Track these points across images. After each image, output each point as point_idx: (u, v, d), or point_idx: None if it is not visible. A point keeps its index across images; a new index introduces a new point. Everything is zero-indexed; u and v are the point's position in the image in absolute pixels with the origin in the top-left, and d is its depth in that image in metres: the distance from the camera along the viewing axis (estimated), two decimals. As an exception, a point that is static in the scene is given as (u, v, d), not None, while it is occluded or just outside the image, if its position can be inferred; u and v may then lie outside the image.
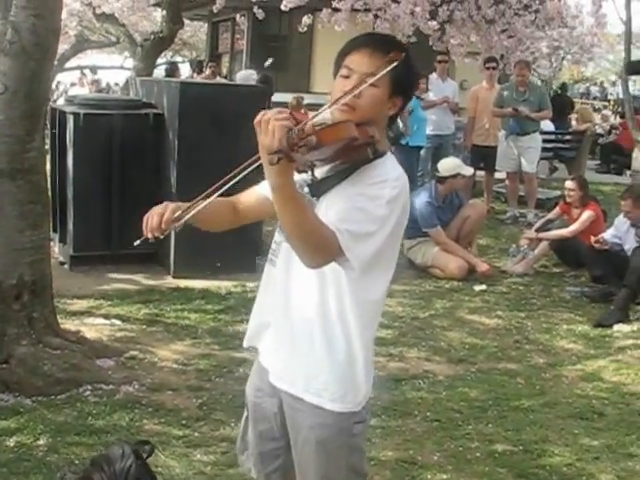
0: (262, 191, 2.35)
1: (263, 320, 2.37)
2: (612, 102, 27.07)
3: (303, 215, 1.96)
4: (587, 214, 7.63)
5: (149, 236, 2.18)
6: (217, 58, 17.64)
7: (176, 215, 2.19)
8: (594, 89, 32.40)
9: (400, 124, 10.18)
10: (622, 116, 18.23)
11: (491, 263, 7.70)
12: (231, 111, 6.76)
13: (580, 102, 24.21)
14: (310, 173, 2.12)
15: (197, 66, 15.95)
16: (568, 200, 7.95)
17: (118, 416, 4.16)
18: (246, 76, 10.73)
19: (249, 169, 2.17)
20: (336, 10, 11.33)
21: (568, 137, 14.41)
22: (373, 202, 2.05)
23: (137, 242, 2.23)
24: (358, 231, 2.02)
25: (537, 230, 7.99)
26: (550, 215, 8.28)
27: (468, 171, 7.98)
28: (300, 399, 2.25)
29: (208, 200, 2.22)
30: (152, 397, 4.43)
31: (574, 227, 7.59)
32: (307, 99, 13.44)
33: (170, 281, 6.72)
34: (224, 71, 17.03)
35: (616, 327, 6.21)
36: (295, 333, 2.23)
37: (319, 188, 2.15)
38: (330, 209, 2.09)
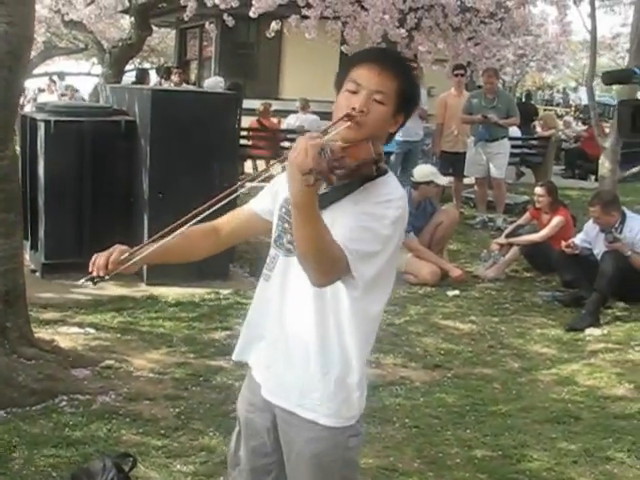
0: (254, 209, 2.34)
1: (255, 334, 2.32)
2: (574, 108, 27.36)
3: (322, 234, 1.93)
4: (557, 219, 7.68)
5: (94, 274, 2.19)
6: (185, 65, 17.53)
7: (123, 257, 2.21)
8: (557, 96, 32.76)
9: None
10: (584, 122, 18.45)
11: (463, 268, 7.71)
12: (203, 118, 6.74)
13: (543, 108, 24.43)
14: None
15: (165, 73, 15.83)
16: (538, 205, 8.00)
17: (95, 427, 4.09)
18: (214, 83, 10.69)
19: (209, 210, 2.20)
20: (305, 17, 11.30)
21: (534, 143, 14.57)
22: (379, 222, 2.04)
23: (82, 280, 2.24)
24: (365, 251, 2.02)
25: (508, 235, 8.02)
26: (520, 221, 8.32)
27: (442, 181, 8.01)
28: (294, 414, 2.21)
29: (161, 242, 2.25)
30: (129, 407, 4.36)
31: (544, 232, 7.64)
32: (276, 105, 13.41)
33: (144, 289, 6.64)
34: (192, 78, 16.93)
35: (588, 331, 6.25)
36: (290, 349, 2.20)
37: (321, 202, 2.06)
38: (333, 226, 2.02)
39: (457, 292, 7.09)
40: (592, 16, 8.78)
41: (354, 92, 2.10)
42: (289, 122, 13.02)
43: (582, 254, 7.08)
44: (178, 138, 6.67)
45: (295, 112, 13.35)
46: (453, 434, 4.35)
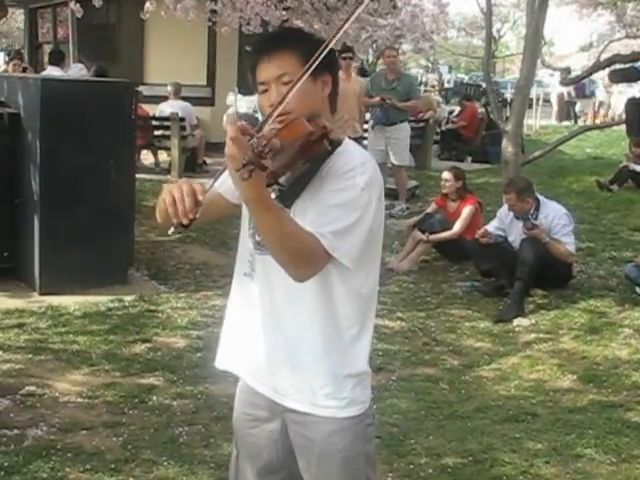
0: (217, 189, 2.22)
1: (240, 341, 2.27)
2: (437, 88, 28.00)
3: (284, 225, 1.91)
4: (468, 209, 7.75)
5: (184, 222, 1.88)
6: (37, 48, 16.72)
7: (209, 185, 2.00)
8: (432, 77, 33.43)
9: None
10: (460, 103, 18.82)
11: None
12: (96, 109, 6.41)
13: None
14: (275, 183, 2.04)
15: (15, 56, 15.03)
16: (444, 192, 8.05)
17: (36, 467, 3.74)
18: (78, 71, 10.26)
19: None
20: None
21: (413, 125, 14.75)
22: (346, 194, 2.01)
23: (171, 230, 1.92)
24: (340, 228, 1.99)
25: (416, 225, 8.03)
26: (428, 209, 8.35)
27: None
28: (309, 414, 2.19)
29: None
30: (66, 439, 4.03)
31: (459, 226, 7.68)
32: (143, 90, 12.79)
33: (38, 299, 6.26)
34: (47, 62, 16.16)
35: (516, 322, 6.33)
36: (293, 349, 2.17)
37: (289, 196, 2.08)
38: (306, 215, 2.04)
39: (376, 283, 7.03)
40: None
41: (265, 91, 2.11)
42: (162, 109, 12.60)
43: (496, 242, 7.17)
44: (71, 131, 6.31)
45: (164, 98, 12.95)
46: (417, 442, 4.27)
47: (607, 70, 9.27)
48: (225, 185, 2.21)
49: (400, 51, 18.60)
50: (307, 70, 1.97)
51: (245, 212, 2.26)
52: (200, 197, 1.89)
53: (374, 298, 2.24)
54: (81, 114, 6.35)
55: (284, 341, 2.17)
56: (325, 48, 1.99)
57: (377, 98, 9.60)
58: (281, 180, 2.02)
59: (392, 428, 4.42)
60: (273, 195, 2.05)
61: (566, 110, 26.14)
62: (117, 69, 13.20)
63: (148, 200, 9.50)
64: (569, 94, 25.52)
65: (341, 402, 2.17)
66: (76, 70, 11.98)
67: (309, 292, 2.11)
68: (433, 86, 28.84)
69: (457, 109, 17.65)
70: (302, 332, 2.15)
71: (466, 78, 34.09)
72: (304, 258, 1.96)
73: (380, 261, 2.26)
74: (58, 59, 11.38)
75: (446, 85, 31.40)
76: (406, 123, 10.10)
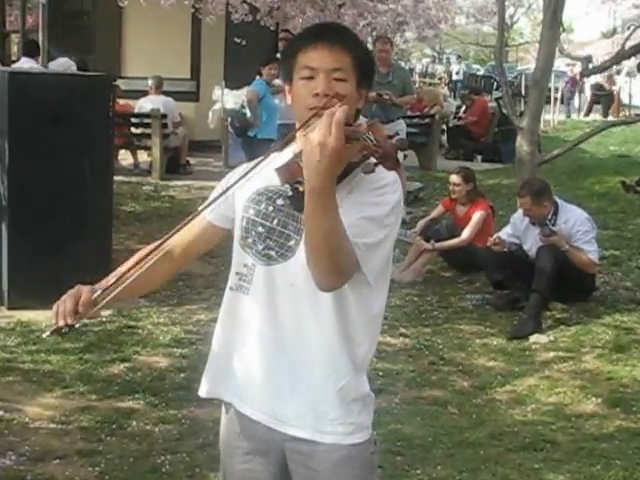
0: (207, 218, 2.33)
1: (232, 363, 2.28)
2: (442, 80, 28.10)
3: (337, 224, 1.97)
4: (478, 215, 7.75)
5: (61, 324, 2.10)
6: (4, 37, 16.72)
7: (95, 296, 2.14)
8: (440, 68, 33.41)
9: (248, 113, 10.06)
10: (463, 97, 18.89)
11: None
12: (71, 105, 6.43)
13: (421, 82, 24.96)
14: (292, 185, 2.10)
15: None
16: (453, 196, 8.06)
17: (4, 500, 3.75)
18: (66, 67, 10.31)
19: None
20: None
21: (417, 121, 14.81)
22: (379, 209, 2.12)
23: (47, 333, 2.15)
24: (372, 242, 2.08)
25: (421, 232, 8.03)
26: (433, 214, 8.37)
27: None
28: (313, 442, 2.20)
29: (136, 272, 2.17)
30: (37, 470, 4.03)
31: (467, 233, 7.66)
32: (120, 84, 12.84)
33: (6, 314, 6.31)
34: (15, 52, 16.21)
35: (532, 338, 6.33)
36: (295, 369, 2.19)
37: (303, 200, 2.07)
38: None
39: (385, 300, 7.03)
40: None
41: (310, 78, 2.17)
42: (142, 105, 12.62)
43: (510, 250, 7.17)
44: (44, 129, 6.33)
45: (144, 93, 12.97)
46: (424, 473, 4.27)
47: (633, 60, 9.26)
48: (215, 213, 2.29)
49: (402, 39, 18.68)
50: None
51: (239, 222, 2.28)
52: (80, 308, 2.09)
53: (381, 318, 2.30)
54: (53, 111, 6.35)
55: (287, 363, 2.19)
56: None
57: (373, 94, 9.60)
58: (301, 179, 2.04)
59: (395, 457, 4.42)
60: (284, 197, 2.18)
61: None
62: (92, 61, 13.27)
63: (127, 205, 9.51)
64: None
65: (348, 428, 2.20)
66: (64, 65, 11.90)
67: (323, 309, 2.15)
68: (440, 78, 28.89)
69: (464, 103, 17.65)
70: (310, 353, 2.18)
71: (481, 69, 33.98)
72: (341, 264, 2.01)
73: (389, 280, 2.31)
74: (32, 50, 11.34)
75: (455, 77, 31.45)
76: (402, 120, 10.15)
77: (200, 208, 2.21)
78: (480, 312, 6.99)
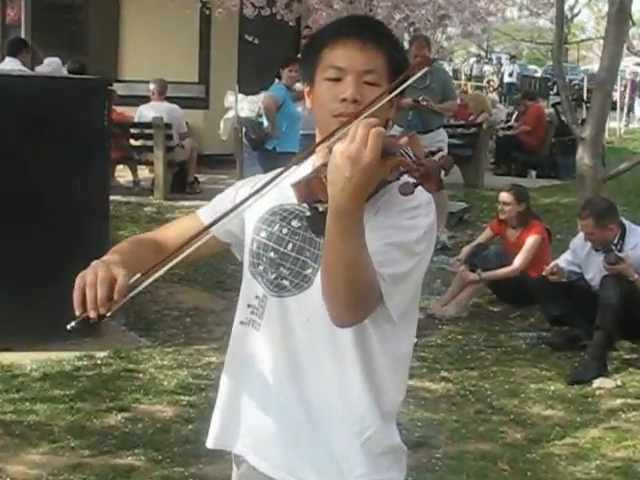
0: (212, 231, 2.27)
1: (244, 409, 2.30)
2: (490, 83, 28.15)
3: (363, 251, 1.94)
4: (532, 239, 7.77)
5: (92, 315, 2.00)
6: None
7: (134, 280, 2.06)
8: (488, 69, 33.36)
9: (265, 122, 10.10)
10: (513, 103, 18.91)
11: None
12: (61, 113, 6.53)
13: (466, 85, 25.01)
14: (311, 204, 2.10)
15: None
16: (502, 217, 8.08)
17: None
18: (56, 67, 10.44)
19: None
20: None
21: (462, 131, 14.86)
22: (410, 234, 2.11)
23: (72, 324, 2.03)
24: (399, 272, 2.07)
25: (466, 260, 8.05)
26: (480, 239, 8.40)
27: None
28: None
29: (180, 256, 2.14)
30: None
31: (520, 260, 7.69)
32: (117, 89, 12.89)
33: (-15, 357, 6.33)
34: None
35: (596, 383, 6.35)
36: (315, 418, 2.20)
37: (323, 222, 2.07)
38: None
39: (414, 339, 7.04)
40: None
41: (336, 79, 2.18)
42: (143, 113, 12.72)
43: (569, 280, 7.18)
44: (25, 142, 6.38)
45: (145, 99, 13.06)
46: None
47: None
48: (225, 227, 2.29)
49: (443, 36, 18.72)
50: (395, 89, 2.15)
51: (248, 246, 2.31)
52: (116, 295, 1.99)
53: (409, 359, 2.34)
54: (40, 119, 6.42)
55: (305, 409, 2.21)
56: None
57: (408, 99, 9.62)
58: (322, 198, 2.03)
59: (439, 523, 4.44)
60: (301, 219, 2.20)
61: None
62: (85, 62, 13.35)
63: (125, 229, 9.58)
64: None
65: (373, 477, 2.22)
66: (47, 66, 12.06)
67: (343, 348, 2.17)
68: (489, 81, 28.92)
69: (514, 110, 17.69)
70: (331, 399, 2.19)
71: (539, 70, 33.78)
72: (363, 297, 2.00)
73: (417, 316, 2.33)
74: (16, 49, 11.46)
75: (507, 79, 31.32)
76: (442, 129, 10.20)
77: (207, 223, 2.22)
78: (535, 352, 7.01)
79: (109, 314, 2.01)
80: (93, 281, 2.01)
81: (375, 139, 1.81)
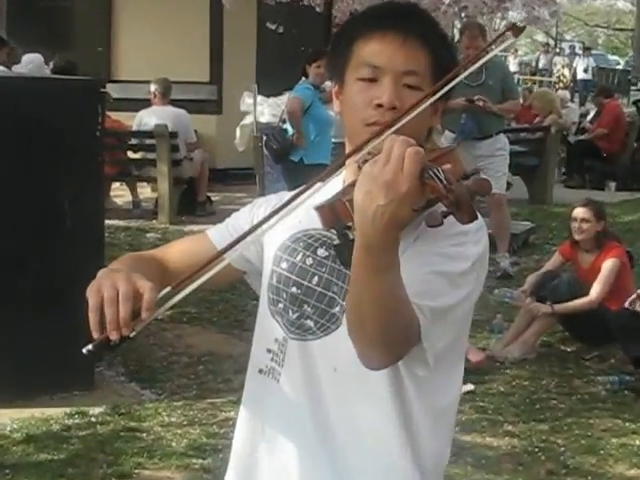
0: (211, 246, 2.33)
1: (263, 467, 2.32)
2: (560, 78, 28.08)
3: (398, 287, 1.92)
4: (611, 264, 7.72)
5: (113, 337, 1.95)
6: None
7: (163, 294, 2.03)
8: (559, 61, 33.18)
9: (290, 129, 10.08)
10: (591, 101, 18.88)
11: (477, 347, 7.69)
12: (46, 120, 6.53)
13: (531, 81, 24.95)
14: (340, 230, 2.07)
15: None
16: (578, 238, 8.00)
17: None
18: (38, 65, 10.55)
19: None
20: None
21: (527, 136, 14.84)
22: (455, 264, 2.12)
23: (88, 348, 1.98)
24: (440, 306, 2.06)
25: (533, 292, 8.01)
26: (548, 265, 8.37)
27: None
28: None
29: (215, 269, 2.09)
30: None
31: (598, 289, 7.63)
32: (111, 91, 12.97)
33: (-40, 413, 6.38)
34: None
35: (690, 437, 6.31)
36: (341, 473, 2.22)
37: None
38: None
39: (471, 387, 7.03)
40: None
41: (371, 80, 2.18)
42: (143, 120, 12.76)
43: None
44: (3, 156, 6.44)
45: (146, 102, 13.11)
46: None
47: None
48: (244, 255, 2.33)
49: (503, 22, 18.58)
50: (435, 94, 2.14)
51: (267, 279, 2.33)
52: (145, 314, 1.95)
53: (454, 413, 2.33)
54: (20, 129, 6.46)
55: (333, 472, 2.22)
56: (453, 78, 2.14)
57: (461, 99, 9.58)
58: (349, 232, 2.02)
59: None
60: (329, 248, 2.22)
61: None
62: (74, 60, 13.45)
63: (123, 259, 9.60)
64: None
65: None
66: (27, 63, 12.18)
67: (376, 397, 2.17)
68: (559, 76, 28.82)
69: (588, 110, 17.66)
70: (362, 456, 2.20)
71: (621, 62, 33.53)
72: (399, 339, 1.99)
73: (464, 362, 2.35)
74: None
75: (581, 75, 30.98)
76: (502, 135, 10.16)
77: (220, 248, 2.19)
78: (616, 400, 6.98)
79: (133, 334, 1.97)
80: (113, 297, 1.96)
81: (414, 163, 1.77)
